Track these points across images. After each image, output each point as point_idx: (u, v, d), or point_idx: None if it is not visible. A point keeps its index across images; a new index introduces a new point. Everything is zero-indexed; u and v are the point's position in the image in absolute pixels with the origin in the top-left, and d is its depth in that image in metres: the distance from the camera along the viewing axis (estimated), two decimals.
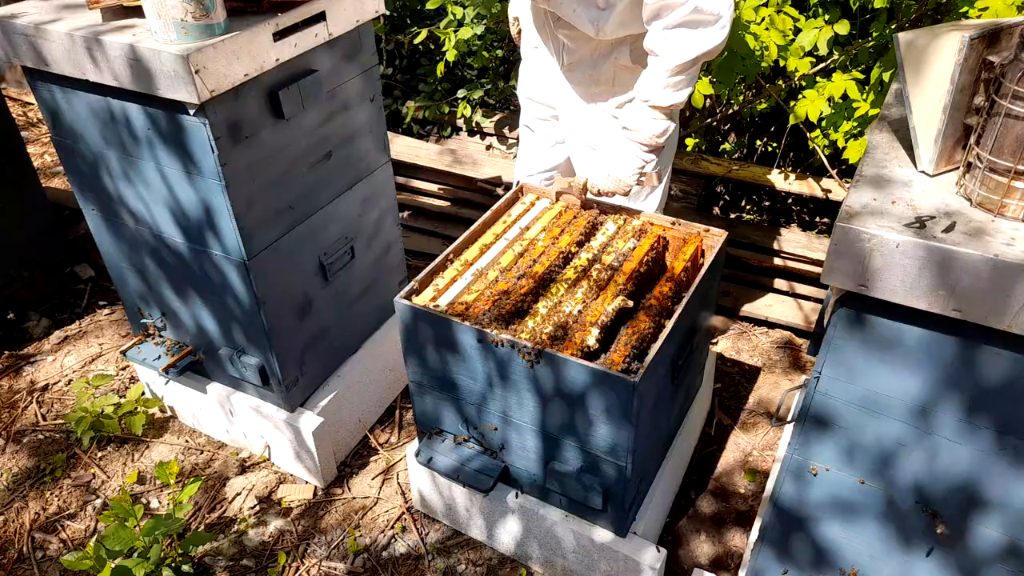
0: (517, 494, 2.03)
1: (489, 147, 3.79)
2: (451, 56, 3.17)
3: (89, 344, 2.99)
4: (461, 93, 3.73)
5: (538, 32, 2.25)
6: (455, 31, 3.17)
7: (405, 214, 3.57)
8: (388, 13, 2.15)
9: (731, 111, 3.33)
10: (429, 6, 3.17)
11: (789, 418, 1.61)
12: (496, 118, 3.75)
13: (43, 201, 3.07)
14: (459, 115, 3.70)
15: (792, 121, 2.85)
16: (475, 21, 3.20)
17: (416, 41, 3.31)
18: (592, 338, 1.71)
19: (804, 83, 2.94)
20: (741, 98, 3.21)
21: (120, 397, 2.67)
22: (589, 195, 2.14)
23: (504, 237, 2.06)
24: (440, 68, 3.40)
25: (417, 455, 2.05)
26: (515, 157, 3.71)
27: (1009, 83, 1.15)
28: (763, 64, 2.70)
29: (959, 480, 1.38)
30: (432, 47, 3.93)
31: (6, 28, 1.84)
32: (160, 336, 2.39)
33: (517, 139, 3.74)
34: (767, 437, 2.54)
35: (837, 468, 1.50)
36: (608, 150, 2.09)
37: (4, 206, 2.91)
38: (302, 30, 1.87)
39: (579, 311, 1.80)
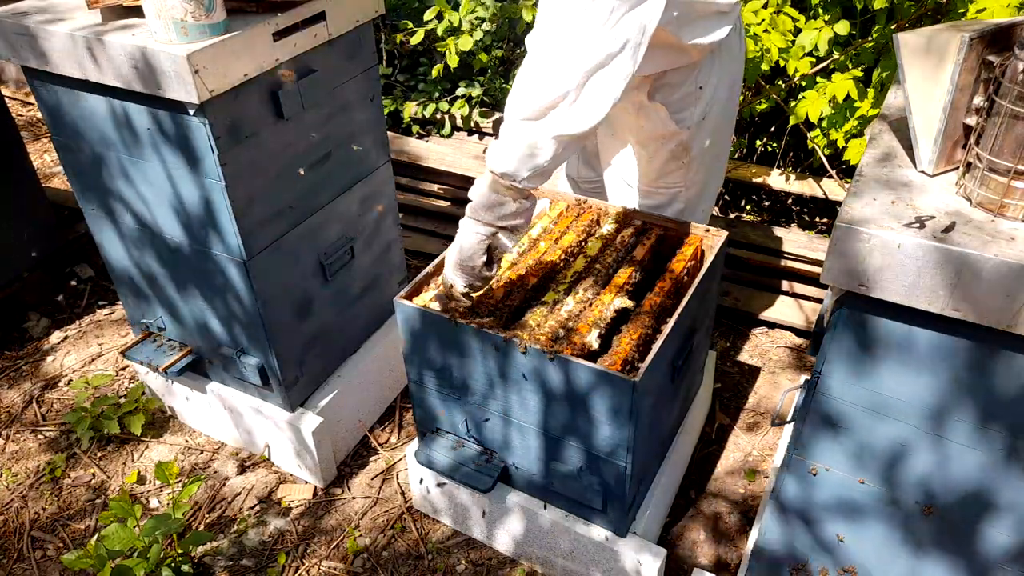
0: (517, 494, 2.03)
1: (486, 149, 3.79)
2: (452, 63, 3.16)
3: (89, 344, 2.99)
4: (459, 91, 3.73)
5: None
6: (456, 39, 3.16)
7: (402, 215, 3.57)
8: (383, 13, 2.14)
9: None
10: (427, 17, 3.17)
11: (789, 418, 1.61)
12: (495, 118, 3.74)
13: (43, 201, 3.07)
14: (456, 111, 3.69)
15: (792, 121, 2.85)
16: (475, 24, 3.19)
17: (413, 41, 3.30)
18: (592, 338, 1.71)
19: (804, 83, 2.94)
20: (741, 98, 3.21)
21: (120, 397, 2.67)
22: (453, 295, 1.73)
23: None
24: (437, 70, 3.39)
25: (417, 455, 2.05)
26: None
27: (1009, 83, 1.15)
28: (763, 67, 2.70)
29: (958, 479, 1.38)
30: (431, 47, 3.94)
31: (6, 28, 1.84)
32: (160, 336, 2.39)
33: None
34: (767, 437, 2.54)
35: (837, 468, 1.50)
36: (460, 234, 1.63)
37: (4, 206, 2.90)
38: (302, 30, 1.87)
39: (579, 311, 1.80)
